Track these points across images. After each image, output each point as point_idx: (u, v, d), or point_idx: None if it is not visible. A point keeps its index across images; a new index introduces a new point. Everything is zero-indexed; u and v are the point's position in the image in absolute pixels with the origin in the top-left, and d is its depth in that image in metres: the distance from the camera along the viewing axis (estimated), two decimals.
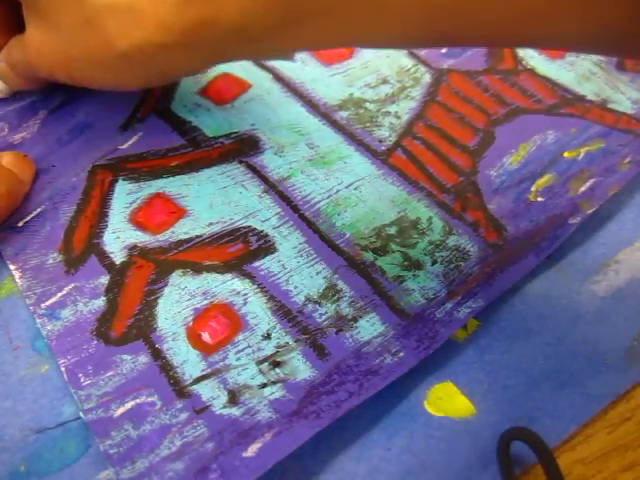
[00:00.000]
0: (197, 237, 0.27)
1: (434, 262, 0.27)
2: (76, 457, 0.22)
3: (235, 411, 0.22)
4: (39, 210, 0.28)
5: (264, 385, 0.23)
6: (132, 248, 0.27)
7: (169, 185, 0.29)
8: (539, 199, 0.29)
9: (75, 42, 0.25)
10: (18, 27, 0.29)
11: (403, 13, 0.20)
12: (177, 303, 0.25)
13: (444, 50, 0.36)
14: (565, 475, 0.21)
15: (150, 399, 0.22)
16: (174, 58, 0.24)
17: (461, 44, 0.25)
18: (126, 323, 0.24)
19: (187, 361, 0.23)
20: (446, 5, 0.20)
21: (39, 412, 0.23)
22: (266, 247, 0.27)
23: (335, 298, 0.25)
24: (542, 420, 0.23)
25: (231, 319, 0.25)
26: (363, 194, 0.29)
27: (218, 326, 0.24)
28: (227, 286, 0.26)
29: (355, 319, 0.25)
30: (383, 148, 0.31)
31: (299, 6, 0.21)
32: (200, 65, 0.28)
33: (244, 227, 0.28)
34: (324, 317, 0.25)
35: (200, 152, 0.31)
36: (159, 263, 0.26)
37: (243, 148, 0.31)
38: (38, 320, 0.24)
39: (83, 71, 0.27)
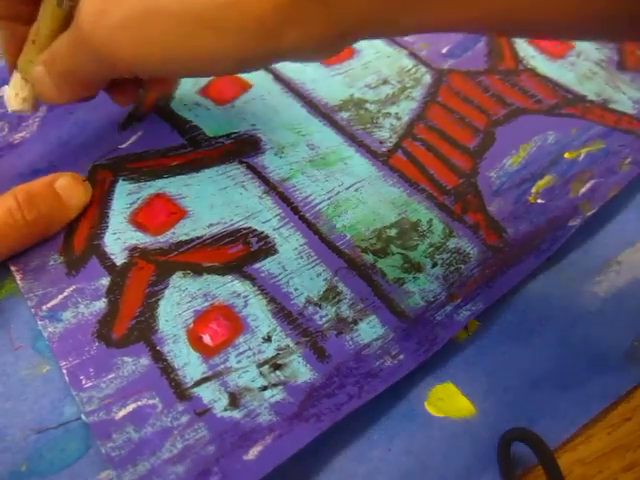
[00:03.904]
0: (197, 238, 0.27)
1: (434, 264, 0.27)
2: (77, 457, 0.22)
3: (236, 414, 0.22)
4: None
5: (265, 388, 0.23)
6: (133, 249, 0.27)
7: (169, 185, 0.29)
8: (539, 201, 0.29)
9: None
10: None
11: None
12: (178, 305, 0.25)
13: (444, 50, 0.36)
14: (565, 475, 0.21)
15: (151, 402, 0.22)
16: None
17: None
18: (127, 325, 0.24)
19: (188, 363, 0.23)
20: None
21: (40, 412, 0.23)
22: (266, 249, 0.27)
23: (335, 300, 0.25)
24: (543, 421, 0.23)
25: (232, 321, 0.25)
26: (363, 196, 0.29)
27: (219, 328, 0.24)
28: (228, 288, 0.26)
29: (355, 321, 0.25)
30: (383, 149, 0.31)
31: None
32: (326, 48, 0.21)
33: (244, 228, 0.28)
34: (324, 319, 0.25)
35: (200, 152, 0.31)
36: (160, 264, 0.26)
37: (243, 148, 0.31)
38: (40, 322, 0.25)
39: (189, 37, 0.18)
